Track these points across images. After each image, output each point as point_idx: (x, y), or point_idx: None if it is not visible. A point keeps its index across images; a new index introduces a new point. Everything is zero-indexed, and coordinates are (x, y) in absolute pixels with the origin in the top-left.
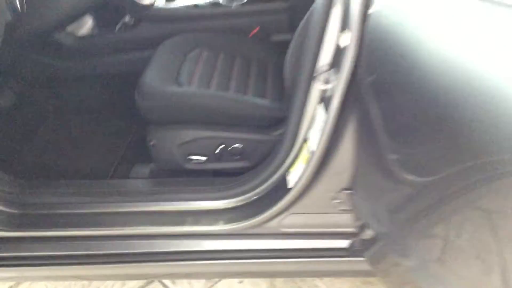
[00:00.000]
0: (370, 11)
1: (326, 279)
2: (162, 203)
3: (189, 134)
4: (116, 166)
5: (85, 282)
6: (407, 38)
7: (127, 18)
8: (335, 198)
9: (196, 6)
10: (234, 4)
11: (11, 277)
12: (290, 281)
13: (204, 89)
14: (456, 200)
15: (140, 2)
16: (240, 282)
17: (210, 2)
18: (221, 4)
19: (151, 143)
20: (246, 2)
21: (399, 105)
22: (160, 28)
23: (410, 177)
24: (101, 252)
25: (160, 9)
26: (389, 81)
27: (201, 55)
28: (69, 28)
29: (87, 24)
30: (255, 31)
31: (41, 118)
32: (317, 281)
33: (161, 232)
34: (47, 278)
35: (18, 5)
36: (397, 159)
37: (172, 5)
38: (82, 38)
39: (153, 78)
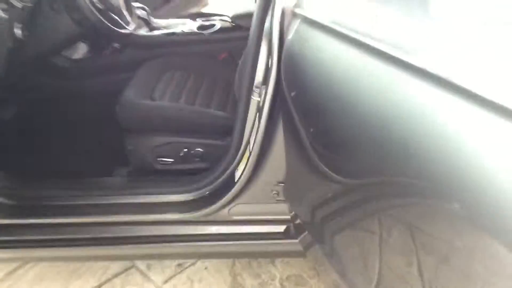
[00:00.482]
0: (286, 39)
1: (279, 266)
2: (136, 196)
3: (159, 140)
4: (101, 168)
5: (73, 268)
6: (311, 61)
7: (115, 44)
8: (273, 190)
9: (173, 33)
10: (206, 32)
11: (11, 258)
12: (248, 267)
13: (173, 103)
14: (362, 206)
15: (120, 31)
16: (205, 268)
17: (186, 30)
18: (195, 32)
19: (129, 148)
20: (216, 31)
21: (315, 117)
22: (143, 52)
23: (327, 178)
24: (87, 236)
25: (142, 37)
26: (306, 96)
27: (174, 75)
28: (65, 52)
29: (81, 49)
30: (224, 55)
31: (38, 128)
32: (271, 267)
33: (135, 220)
34: (41, 259)
35: (21, 33)
36: (316, 159)
37: (154, 33)
38: (76, 61)
39: (131, 94)
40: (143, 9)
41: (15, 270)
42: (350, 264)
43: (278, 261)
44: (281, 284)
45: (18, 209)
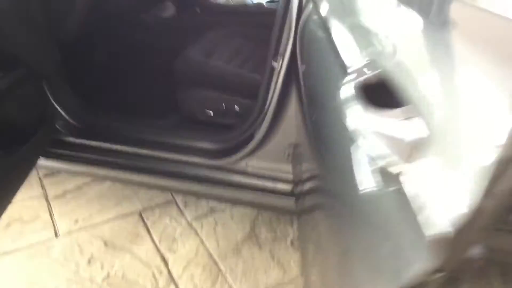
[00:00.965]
0: (302, 17)
1: (296, 226)
2: (177, 138)
3: (205, 94)
4: (157, 111)
5: (126, 192)
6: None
7: (197, 8)
8: (285, 151)
9: (245, 5)
10: (274, 6)
11: (79, 171)
12: (268, 222)
13: (224, 64)
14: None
15: None
16: (232, 217)
17: (256, 3)
18: (263, 5)
19: (180, 97)
20: None
21: (312, 95)
22: (216, 18)
23: (312, 156)
24: (139, 165)
25: (218, 5)
26: (309, 73)
27: (235, 42)
28: (155, 10)
29: (169, 9)
30: None
31: (117, 71)
32: (288, 227)
33: (174, 158)
34: (103, 178)
35: None
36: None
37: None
38: (162, 19)
39: (191, 52)
40: None
41: (82, 185)
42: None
43: (296, 222)
44: (292, 242)
45: (89, 132)
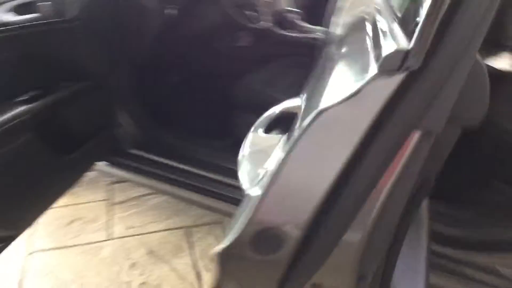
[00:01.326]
0: None
1: None
2: (226, 162)
3: (256, 120)
4: (215, 132)
5: (178, 207)
6: None
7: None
8: None
9: (313, 38)
10: None
11: (140, 183)
12: None
13: (278, 94)
14: None
15: (253, 26)
16: None
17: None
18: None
19: (235, 121)
20: None
21: None
22: (286, 48)
23: None
24: (193, 183)
25: (287, 36)
26: None
27: (295, 72)
28: (231, 39)
29: (243, 38)
30: None
31: (186, 93)
32: None
33: (221, 180)
34: (160, 191)
35: (171, 13)
36: None
37: (298, 34)
38: (236, 48)
39: (251, 80)
40: (294, 12)
41: (145, 195)
42: None
43: None
44: None
45: (150, 147)
